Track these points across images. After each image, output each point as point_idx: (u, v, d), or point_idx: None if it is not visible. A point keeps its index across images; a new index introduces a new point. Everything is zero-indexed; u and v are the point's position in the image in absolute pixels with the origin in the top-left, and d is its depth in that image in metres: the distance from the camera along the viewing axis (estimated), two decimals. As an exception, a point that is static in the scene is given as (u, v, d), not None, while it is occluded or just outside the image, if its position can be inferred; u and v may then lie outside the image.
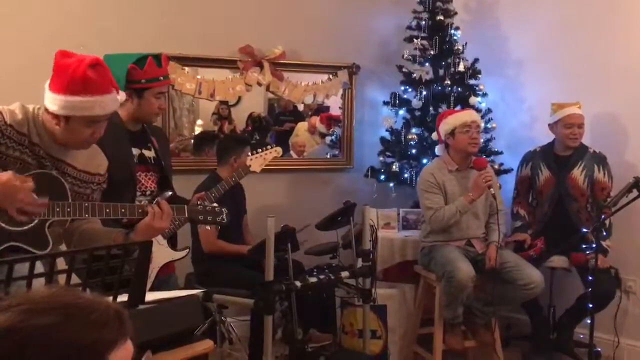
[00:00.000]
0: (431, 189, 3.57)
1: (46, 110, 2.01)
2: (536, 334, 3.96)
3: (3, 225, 1.93)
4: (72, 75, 1.94)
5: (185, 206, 2.34)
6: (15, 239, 1.94)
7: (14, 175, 1.86)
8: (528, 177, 3.96)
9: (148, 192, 2.70)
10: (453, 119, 3.61)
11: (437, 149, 3.86)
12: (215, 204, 2.43)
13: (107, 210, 2.08)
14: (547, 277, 3.66)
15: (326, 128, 4.77)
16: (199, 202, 2.44)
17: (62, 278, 1.66)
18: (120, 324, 0.93)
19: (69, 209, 2.00)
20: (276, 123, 4.73)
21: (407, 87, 4.33)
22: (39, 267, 1.66)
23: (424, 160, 4.16)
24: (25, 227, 1.95)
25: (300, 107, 4.76)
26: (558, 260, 3.79)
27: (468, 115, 3.63)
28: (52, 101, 1.97)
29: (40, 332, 0.87)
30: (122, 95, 2.50)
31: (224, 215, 2.37)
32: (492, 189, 3.47)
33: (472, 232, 3.61)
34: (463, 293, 3.38)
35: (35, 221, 1.96)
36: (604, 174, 3.79)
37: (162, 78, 2.63)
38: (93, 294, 0.98)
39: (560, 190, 3.82)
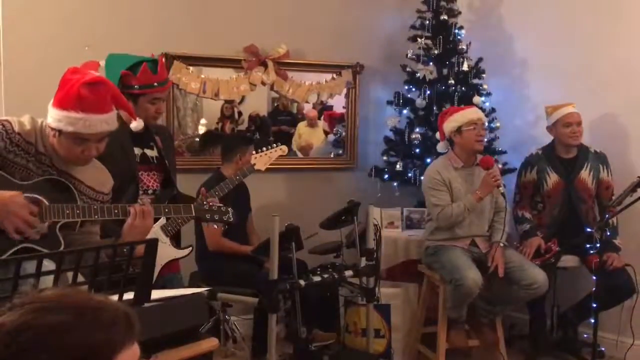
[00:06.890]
0: (438, 186, 3.55)
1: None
2: (532, 334, 3.94)
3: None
4: (67, 91, 1.99)
5: (193, 205, 2.35)
6: (28, 241, 1.97)
7: (20, 195, 1.92)
8: (534, 182, 3.88)
9: (150, 192, 2.71)
10: (460, 116, 3.57)
11: (439, 147, 3.83)
12: (220, 204, 2.44)
13: (116, 211, 2.11)
14: (551, 277, 3.64)
15: (329, 127, 4.78)
16: (204, 202, 2.44)
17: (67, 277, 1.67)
18: (129, 327, 0.94)
19: (78, 211, 2.04)
20: (275, 123, 4.67)
21: (411, 86, 4.33)
22: (48, 267, 1.67)
23: (428, 160, 4.15)
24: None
25: (295, 110, 4.72)
26: (569, 260, 3.77)
27: (474, 113, 3.61)
28: (50, 113, 2.04)
29: (51, 331, 0.87)
30: None
31: (230, 214, 2.39)
32: (501, 188, 3.46)
33: (476, 229, 3.60)
34: (470, 299, 3.39)
35: (46, 223, 2.00)
36: (608, 172, 3.80)
37: (156, 84, 2.61)
38: (102, 295, 0.99)
39: (570, 193, 3.79)
